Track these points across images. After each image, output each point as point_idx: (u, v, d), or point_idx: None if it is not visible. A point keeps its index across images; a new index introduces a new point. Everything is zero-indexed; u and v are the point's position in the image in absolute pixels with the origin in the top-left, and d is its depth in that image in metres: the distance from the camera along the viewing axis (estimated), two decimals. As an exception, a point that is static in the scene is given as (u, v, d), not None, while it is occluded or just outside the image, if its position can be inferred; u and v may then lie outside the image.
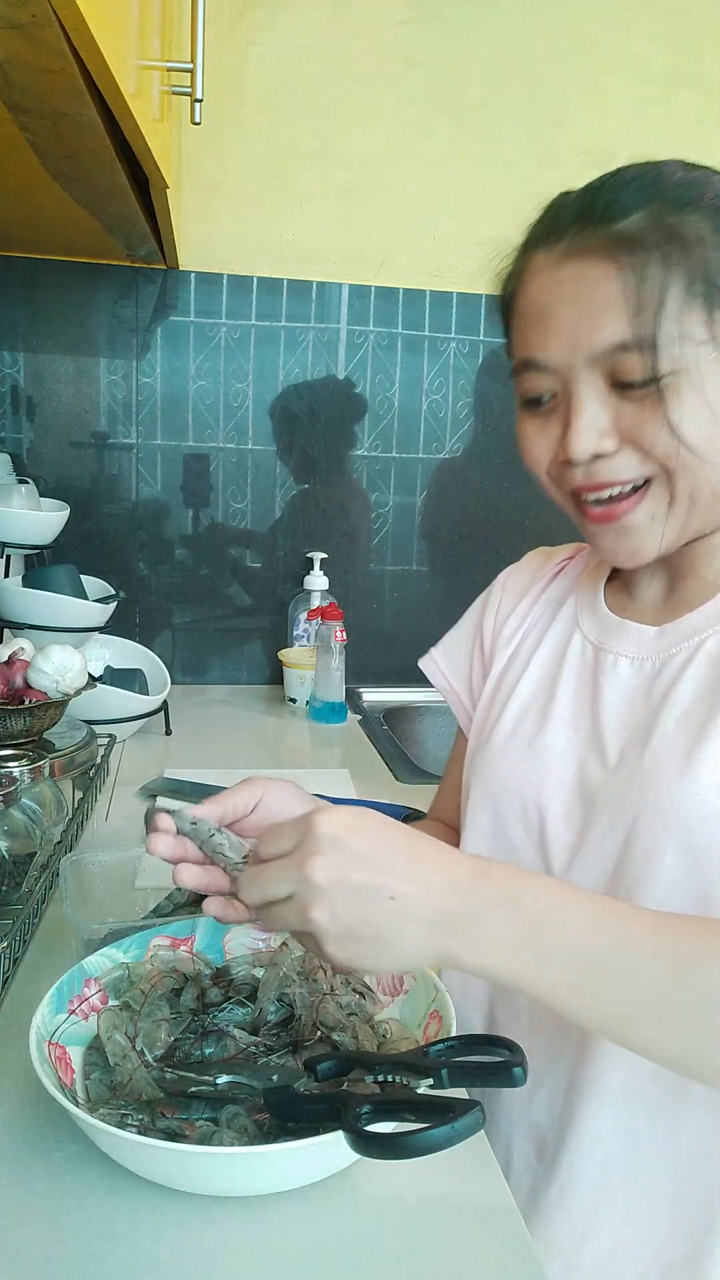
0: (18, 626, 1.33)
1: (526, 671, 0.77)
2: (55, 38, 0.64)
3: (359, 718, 1.66)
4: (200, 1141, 0.53)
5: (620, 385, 0.60)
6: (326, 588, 1.78)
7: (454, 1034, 0.57)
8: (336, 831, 0.49)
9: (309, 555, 1.79)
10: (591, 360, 0.60)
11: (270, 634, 1.83)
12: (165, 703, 1.48)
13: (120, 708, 1.38)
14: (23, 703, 1.06)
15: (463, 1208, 0.54)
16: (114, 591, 1.50)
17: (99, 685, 1.28)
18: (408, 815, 1.00)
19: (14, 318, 1.63)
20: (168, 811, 0.57)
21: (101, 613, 1.40)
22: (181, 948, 0.70)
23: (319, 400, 1.76)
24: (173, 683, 1.53)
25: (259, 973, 0.68)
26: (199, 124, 1.05)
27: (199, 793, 1.15)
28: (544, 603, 0.81)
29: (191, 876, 0.56)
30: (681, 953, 0.49)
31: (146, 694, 1.46)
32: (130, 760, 1.34)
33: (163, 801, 0.59)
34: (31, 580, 1.37)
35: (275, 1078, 0.58)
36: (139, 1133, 0.51)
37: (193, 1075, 0.58)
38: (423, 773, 1.38)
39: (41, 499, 1.45)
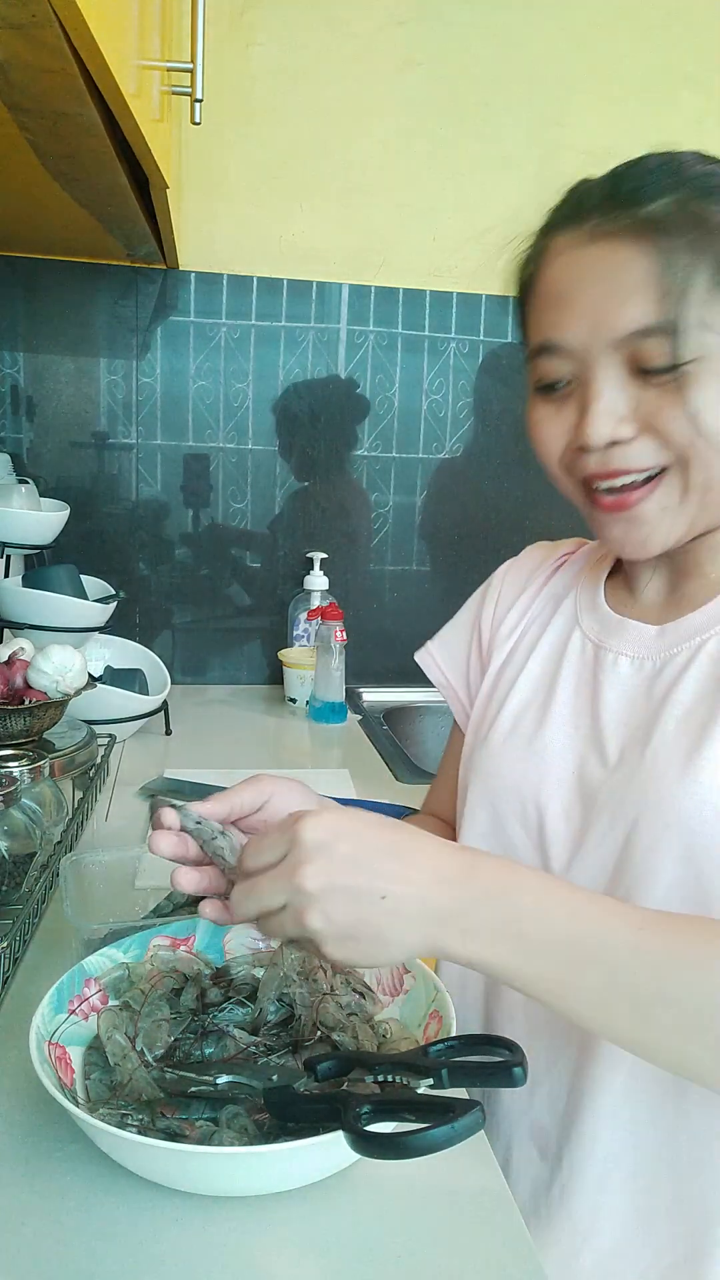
0: (18, 626, 1.33)
1: (525, 668, 0.76)
2: (55, 38, 0.64)
3: (359, 718, 1.66)
4: (200, 1141, 0.53)
5: (641, 371, 0.60)
6: (326, 588, 1.78)
7: (454, 1034, 0.57)
8: (323, 838, 0.50)
9: (309, 555, 1.79)
10: (613, 344, 0.60)
11: (270, 634, 1.83)
12: (165, 703, 1.48)
13: (120, 708, 1.38)
14: (23, 703, 1.05)
15: (463, 1208, 0.54)
16: (114, 591, 1.50)
17: (99, 685, 1.28)
18: (405, 816, 1.00)
19: (14, 318, 1.63)
20: (173, 806, 0.57)
21: (101, 613, 1.40)
22: (181, 948, 0.70)
23: (319, 400, 1.76)
24: (173, 683, 1.53)
25: (259, 973, 0.68)
26: (199, 124, 1.05)
27: (199, 793, 1.14)
28: (544, 598, 0.80)
29: (189, 881, 0.56)
30: (664, 950, 0.49)
31: (146, 694, 1.46)
32: (130, 760, 1.34)
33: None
34: (31, 580, 1.37)
35: (275, 1078, 0.58)
36: (139, 1133, 0.51)
37: (193, 1075, 0.58)
38: (423, 773, 1.38)
39: (41, 499, 1.45)
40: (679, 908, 0.60)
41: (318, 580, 1.77)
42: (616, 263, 0.59)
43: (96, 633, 1.45)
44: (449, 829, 0.86)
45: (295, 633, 1.78)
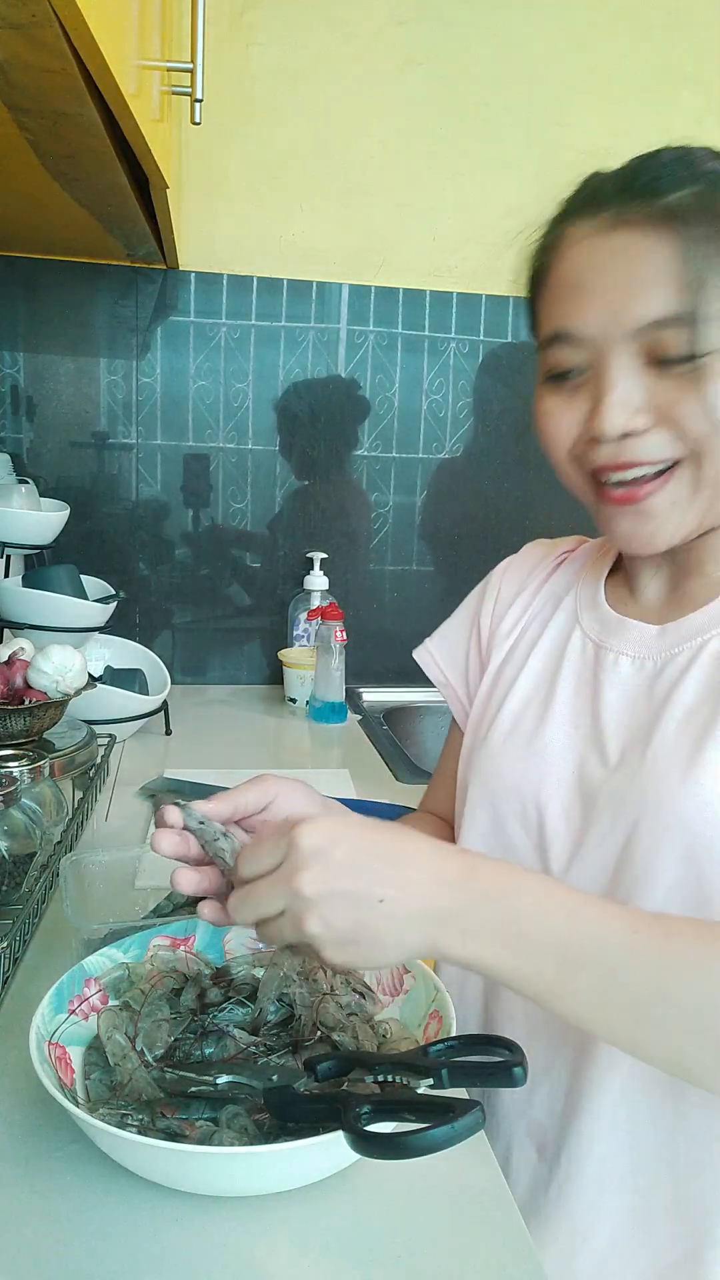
0: (18, 626, 1.33)
1: (525, 667, 0.76)
2: (55, 38, 0.64)
3: (359, 718, 1.66)
4: (200, 1141, 0.53)
5: (658, 361, 0.59)
6: (326, 588, 1.78)
7: (454, 1034, 0.57)
8: (319, 844, 0.49)
9: (309, 555, 1.79)
10: (631, 333, 0.59)
11: (270, 634, 1.83)
12: (165, 703, 1.48)
13: (120, 708, 1.38)
14: (23, 703, 1.05)
15: (463, 1208, 0.54)
16: (114, 591, 1.50)
17: (99, 685, 1.28)
18: (403, 815, 1.00)
19: (14, 318, 1.63)
20: (177, 805, 0.57)
21: (101, 613, 1.40)
22: (181, 948, 0.70)
23: (319, 400, 1.76)
24: (173, 683, 1.53)
25: (259, 973, 0.68)
26: (199, 124, 1.05)
27: (199, 793, 1.14)
28: (544, 596, 0.80)
29: (189, 882, 0.56)
30: (661, 952, 0.49)
31: (146, 694, 1.46)
32: (130, 760, 1.34)
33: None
34: (31, 580, 1.37)
35: (275, 1078, 0.58)
36: (139, 1133, 0.51)
37: (193, 1075, 0.58)
38: (423, 773, 1.38)
39: (41, 499, 1.45)
40: (679, 909, 0.60)
41: (318, 580, 1.77)
42: (636, 251, 0.58)
43: (96, 633, 1.45)
44: (447, 827, 0.86)
45: (295, 633, 1.78)
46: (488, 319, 1.78)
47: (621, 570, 0.76)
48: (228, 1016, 0.64)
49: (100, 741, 1.20)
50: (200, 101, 1.02)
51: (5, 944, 0.72)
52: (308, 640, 1.75)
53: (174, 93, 1.05)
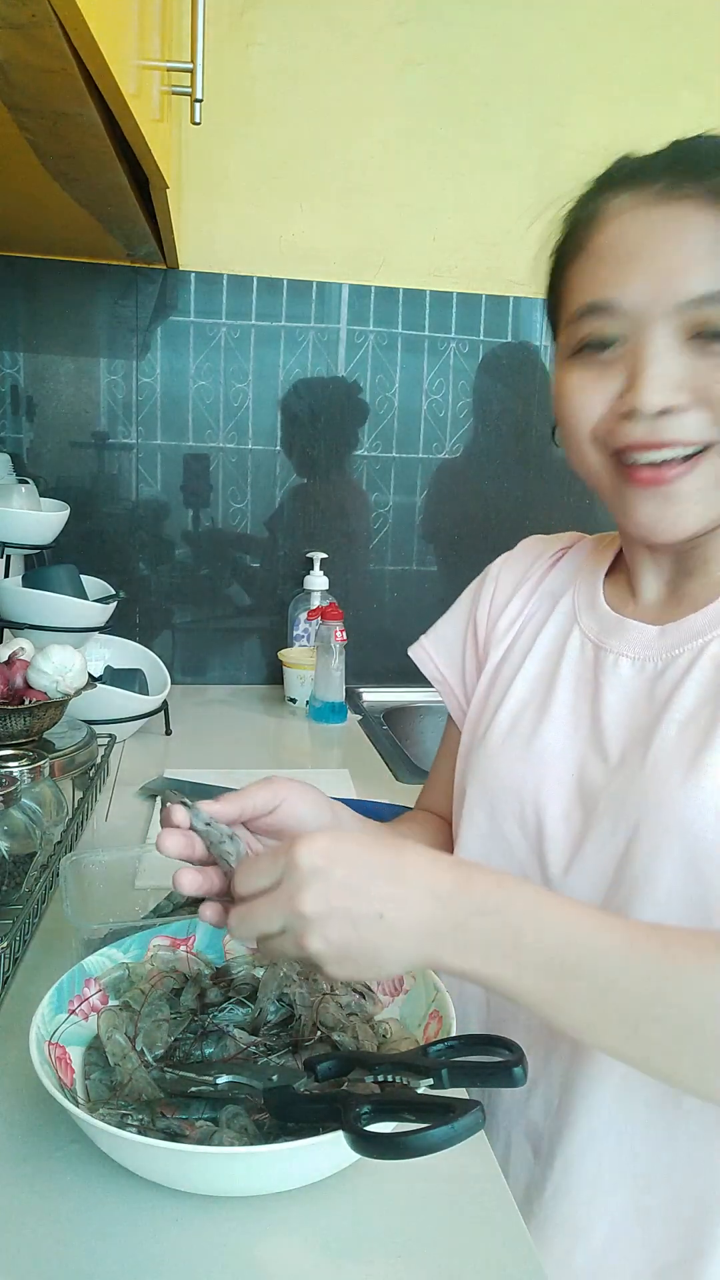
0: (18, 626, 1.33)
1: (523, 667, 0.76)
2: (55, 38, 0.64)
3: (359, 718, 1.66)
4: (200, 1141, 0.53)
5: (702, 337, 0.58)
6: (326, 588, 1.78)
7: (454, 1034, 0.57)
8: (318, 863, 0.49)
9: (309, 555, 1.79)
10: (676, 307, 0.58)
11: (270, 634, 1.83)
12: (165, 703, 1.48)
13: (120, 708, 1.38)
14: (23, 703, 1.05)
15: (463, 1208, 0.54)
16: (114, 591, 1.50)
17: (99, 685, 1.28)
18: (400, 815, 0.99)
19: (14, 318, 1.63)
20: (184, 805, 0.57)
21: (101, 613, 1.40)
22: (181, 948, 0.70)
23: (319, 400, 1.76)
24: (173, 683, 1.53)
25: (259, 973, 0.68)
26: (199, 124, 1.05)
27: (199, 793, 1.14)
28: (541, 594, 0.79)
29: (190, 882, 0.56)
30: (656, 963, 0.49)
31: (146, 694, 1.46)
32: (130, 760, 1.34)
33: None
34: (31, 580, 1.37)
35: (275, 1078, 0.58)
36: (139, 1133, 0.51)
37: (193, 1075, 0.58)
38: (423, 773, 1.38)
39: (41, 499, 1.45)
40: (680, 912, 0.60)
41: (318, 580, 1.77)
42: (688, 225, 0.57)
43: (96, 633, 1.45)
44: (444, 825, 0.86)
45: (295, 633, 1.78)
46: (488, 319, 1.78)
47: (620, 569, 0.75)
48: (228, 1016, 0.64)
49: (100, 741, 1.20)
50: (200, 101, 1.02)
51: (5, 944, 0.72)
52: (308, 640, 1.75)
53: (174, 93, 1.05)
